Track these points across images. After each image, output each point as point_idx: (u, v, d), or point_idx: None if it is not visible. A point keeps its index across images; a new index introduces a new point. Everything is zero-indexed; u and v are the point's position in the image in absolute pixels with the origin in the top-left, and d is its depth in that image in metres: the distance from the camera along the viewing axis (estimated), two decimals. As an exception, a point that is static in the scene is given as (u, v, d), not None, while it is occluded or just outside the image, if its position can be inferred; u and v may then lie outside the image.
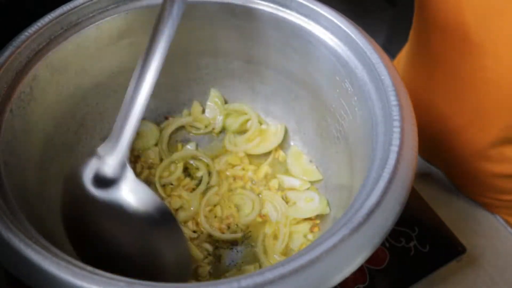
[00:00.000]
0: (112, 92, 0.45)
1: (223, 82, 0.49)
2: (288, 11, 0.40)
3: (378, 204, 0.27)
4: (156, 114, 0.51)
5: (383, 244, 0.44)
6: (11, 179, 0.31)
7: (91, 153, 0.32)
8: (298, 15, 0.40)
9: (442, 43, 0.44)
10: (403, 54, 0.54)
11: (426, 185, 0.54)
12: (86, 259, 0.30)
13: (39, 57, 0.36)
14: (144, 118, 0.41)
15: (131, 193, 0.31)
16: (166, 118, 0.51)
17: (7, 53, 0.34)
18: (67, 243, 0.39)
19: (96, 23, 0.39)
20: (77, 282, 0.24)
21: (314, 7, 0.39)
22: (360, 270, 0.43)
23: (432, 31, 0.45)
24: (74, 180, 0.31)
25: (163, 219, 0.31)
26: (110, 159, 0.31)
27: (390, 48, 0.44)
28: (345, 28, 0.37)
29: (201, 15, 0.42)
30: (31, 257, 0.25)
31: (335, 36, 0.38)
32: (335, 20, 0.38)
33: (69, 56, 0.39)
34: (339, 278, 0.26)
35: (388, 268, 0.43)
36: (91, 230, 0.32)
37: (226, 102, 0.51)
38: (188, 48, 0.46)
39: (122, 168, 0.31)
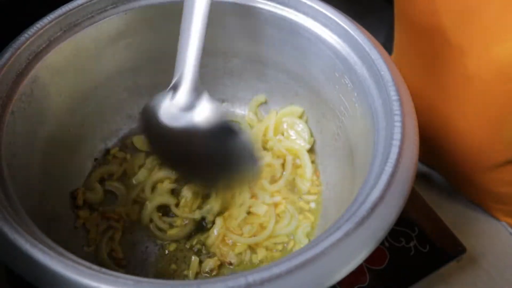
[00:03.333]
0: (112, 92, 0.45)
1: (222, 80, 0.49)
2: (286, 8, 0.40)
3: (381, 198, 0.28)
4: (156, 114, 0.51)
5: (383, 244, 0.44)
6: (15, 180, 0.31)
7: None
8: (297, 13, 0.40)
9: (424, 46, 0.44)
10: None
11: (427, 185, 0.54)
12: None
13: (39, 58, 0.36)
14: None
15: (203, 116, 0.35)
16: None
17: (7, 55, 0.34)
18: (72, 242, 0.39)
19: (95, 23, 0.39)
20: (85, 281, 0.24)
21: (313, 5, 0.39)
22: (360, 270, 0.43)
23: (412, 36, 0.45)
24: (152, 114, 0.35)
25: (231, 127, 0.36)
26: (182, 88, 0.34)
27: (390, 47, 0.44)
28: (344, 25, 0.37)
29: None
30: (37, 257, 0.25)
31: (334, 33, 0.39)
32: (334, 17, 0.38)
33: (69, 57, 0.39)
34: (344, 272, 0.26)
35: (388, 268, 0.43)
36: (172, 151, 0.38)
37: (223, 101, 0.51)
38: (187, 47, 0.46)
39: (195, 94, 0.34)
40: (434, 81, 0.45)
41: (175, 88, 0.35)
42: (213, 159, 0.38)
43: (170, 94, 0.35)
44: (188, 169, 0.40)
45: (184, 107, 0.35)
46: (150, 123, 0.37)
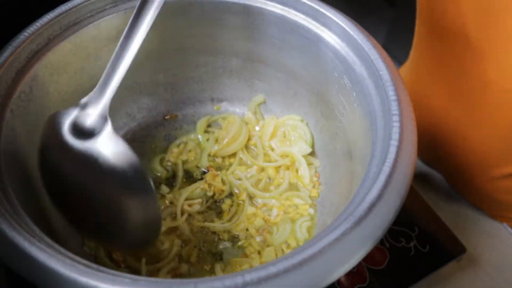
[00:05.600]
0: (111, 91, 0.45)
1: (222, 80, 0.49)
2: (286, 8, 0.40)
3: (379, 197, 0.28)
4: (155, 113, 0.51)
5: (383, 244, 0.44)
6: (13, 179, 0.31)
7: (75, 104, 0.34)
8: (296, 12, 0.40)
9: (444, 49, 0.44)
10: (408, 61, 0.54)
11: (426, 185, 0.54)
12: (61, 210, 0.34)
13: (38, 57, 0.36)
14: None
15: (107, 147, 0.31)
16: (165, 118, 0.51)
17: (6, 53, 0.34)
18: (71, 240, 0.39)
19: (95, 22, 0.39)
20: (82, 279, 0.24)
21: (312, 4, 0.39)
22: (360, 270, 0.43)
23: (434, 38, 0.45)
24: (53, 127, 0.31)
25: (136, 177, 0.31)
26: (91, 110, 0.32)
27: (390, 48, 0.44)
28: (343, 25, 0.37)
29: (199, 13, 0.43)
30: (35, 256, 0.25)
31: (333, 32, 0.39)
32: (333, 17, 0.38)
33: (68, 56, 0.39)
34: (342, 271, 0.26)
35: (388, 268, 0.43)
36: (64, 179, 0.33)
37: (222, 101, 0.51)
38: (187, 46, 0.46)
39: (103, 120, 0.31)
40: (451, 85, 0.45)
41: (84, 105, 0.32)
42: (106, 202, 0.32)
43: (77, 110, 0.32)
44: (75, 208, 0.34)
45: (88, 129, 0.32)
46: (48, 135, 0.33)
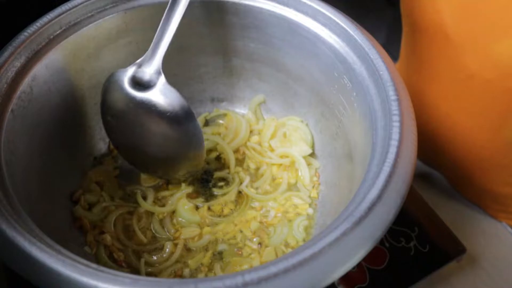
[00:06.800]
0: (111, 91, 0.45)
1: (222, 80, 0.49)
2: (286, 8, 0.40)
3: (379, 197, 0.28)
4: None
5: (383, 244, 0.44)
6: (14, 178, 0.31)
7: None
8: (296, 12, 0.40)
9: (427, 46, 0.44)
10: (398, 61, 0.54)
11: (426, 185, 0.54)
12: (121, 151, 0.43)
13: (38, 57, 0.36)
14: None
15: (163, 95, 0.37)
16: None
17: (6, 53, 0.34)
18: (71, 240, 0.39)
19: (95, 22, 0.39)
20: (83, 279, 0.24)
21: (312, 4, 0.39)
22: (360, 270, 0.43)
23: (417, 36, 0.46)
24: (114, 82, 0.38)
25: (185, 117, 0.38)
26: (146, 67, 0.37)
27: (390, 48, 0.45)
28: (343, 25, 0.38)
29: (199, 13, 0.43)
30: (36, 256, 0.25)
31: (333, 32, 0.39)
32: (333, 17, 0.38)
33: (68, 56, 0.39)
34: (342, 271, 0.26)
35: (388, 268, 0.43)
36: (125, 125, 0.40)
37: (222, 101, 0.51)
38: (187, 46, 0.46)
39: (157, 74, 0.37)
40: (437, 80, 0.45)
41: (140, 64, 0.38)
42: (161, 143, 0.40)
43: (134, 68, 0.38)
44: (134, 148, 0.42)
45: (145, 82, 0.37)
46: (111, 90, 0.38)
